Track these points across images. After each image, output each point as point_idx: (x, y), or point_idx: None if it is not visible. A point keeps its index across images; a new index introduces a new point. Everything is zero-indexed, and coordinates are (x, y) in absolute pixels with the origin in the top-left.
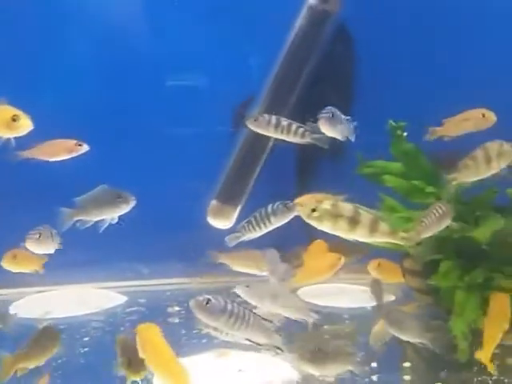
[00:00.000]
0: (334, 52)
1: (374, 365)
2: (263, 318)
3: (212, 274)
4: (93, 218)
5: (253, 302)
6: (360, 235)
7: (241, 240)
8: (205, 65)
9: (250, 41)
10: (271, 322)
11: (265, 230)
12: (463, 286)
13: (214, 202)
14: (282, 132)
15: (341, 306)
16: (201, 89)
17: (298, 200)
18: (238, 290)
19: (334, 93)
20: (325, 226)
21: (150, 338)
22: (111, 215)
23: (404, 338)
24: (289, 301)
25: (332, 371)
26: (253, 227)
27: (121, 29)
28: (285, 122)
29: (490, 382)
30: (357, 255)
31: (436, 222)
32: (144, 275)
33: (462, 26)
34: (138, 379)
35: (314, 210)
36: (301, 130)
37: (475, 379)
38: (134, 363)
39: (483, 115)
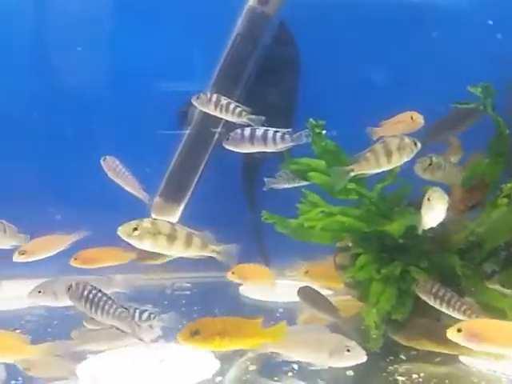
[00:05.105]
0: (275, 54)
1: None
2: (122, 306)
3: None
4: None
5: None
6: (177, 250)
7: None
8: (148, 66)
9: (192, 41)
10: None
11: None
12: (379, 278)
13: (157, 200)
14: (221, 110)
15: (277, 301)
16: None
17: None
18: None
19: (277, 94)
20: (145, 245)
21: None
22: None
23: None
24: None
25: None
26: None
27: None
28: (224, 100)
29: (400, 370)
30: None
31: None
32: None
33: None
34: None
35: (135, 229)
36: (238, 109)
37: (388, 368)
38: None
39: (412, 118)
